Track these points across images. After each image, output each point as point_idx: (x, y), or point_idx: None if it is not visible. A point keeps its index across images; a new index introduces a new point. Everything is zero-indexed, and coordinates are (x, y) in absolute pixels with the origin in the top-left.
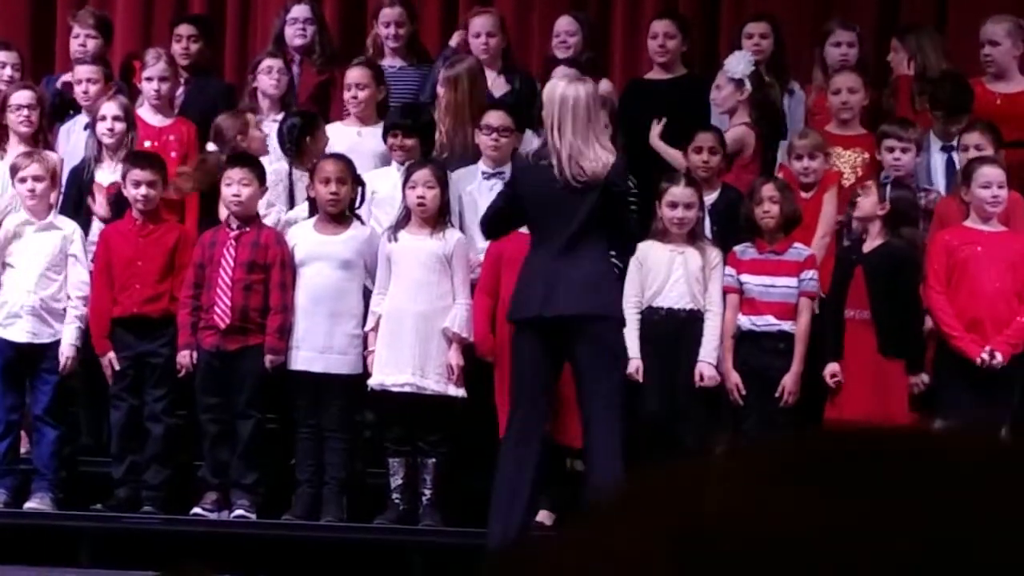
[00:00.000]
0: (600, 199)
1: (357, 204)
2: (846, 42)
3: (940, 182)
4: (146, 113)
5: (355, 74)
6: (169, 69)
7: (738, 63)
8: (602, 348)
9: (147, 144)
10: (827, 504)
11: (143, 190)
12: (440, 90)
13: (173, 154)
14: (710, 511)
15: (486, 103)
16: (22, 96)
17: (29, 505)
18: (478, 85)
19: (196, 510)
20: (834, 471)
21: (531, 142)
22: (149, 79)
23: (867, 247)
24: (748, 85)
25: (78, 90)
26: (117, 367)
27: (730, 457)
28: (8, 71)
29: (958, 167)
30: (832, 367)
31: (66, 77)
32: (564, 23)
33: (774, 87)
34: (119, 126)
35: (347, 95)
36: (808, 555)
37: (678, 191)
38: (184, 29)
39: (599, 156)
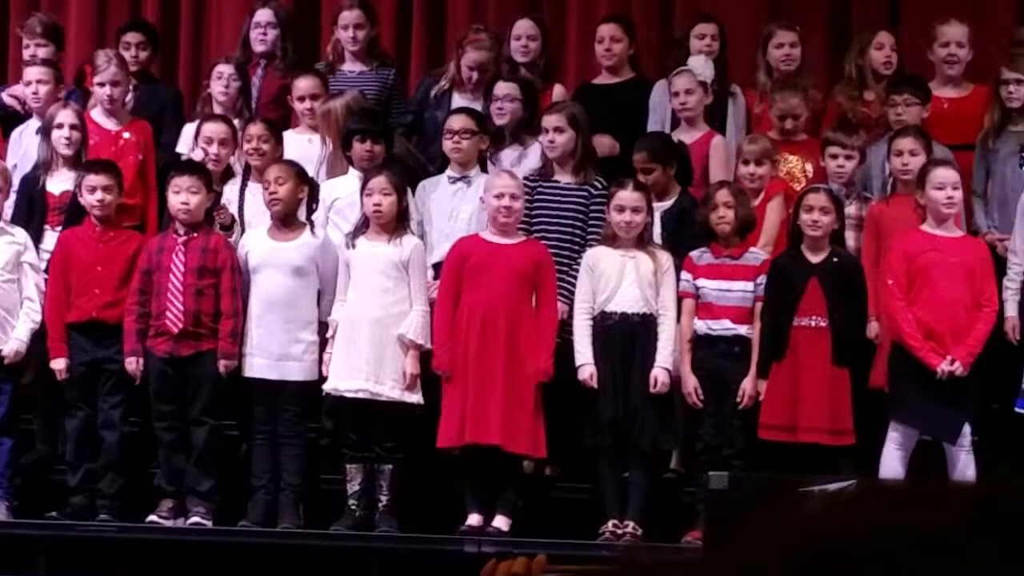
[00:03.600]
0: None
1: (314, 209)
2: (788, 43)
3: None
4: (100, 117)
5: (307, 84)
6: (120, 72)
7: (704, 67)
8: None
9: (103, 148)
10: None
11: (98, 195)
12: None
13: (130, 157)
14: (825, 532)
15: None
16: None
17: None
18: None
19: (152, 517)
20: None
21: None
22: (101, 84)
23: (817, 257)
24: (709, 90)
25: (27, 91)
26: (64, 376)
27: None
28: None
29: (888, 171)
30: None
31: (10, 90)
32: (526, 26)
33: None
34: (76, 134)
35: (301, 106)
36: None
37: (626, 195)
38: (132, 36)
39: None
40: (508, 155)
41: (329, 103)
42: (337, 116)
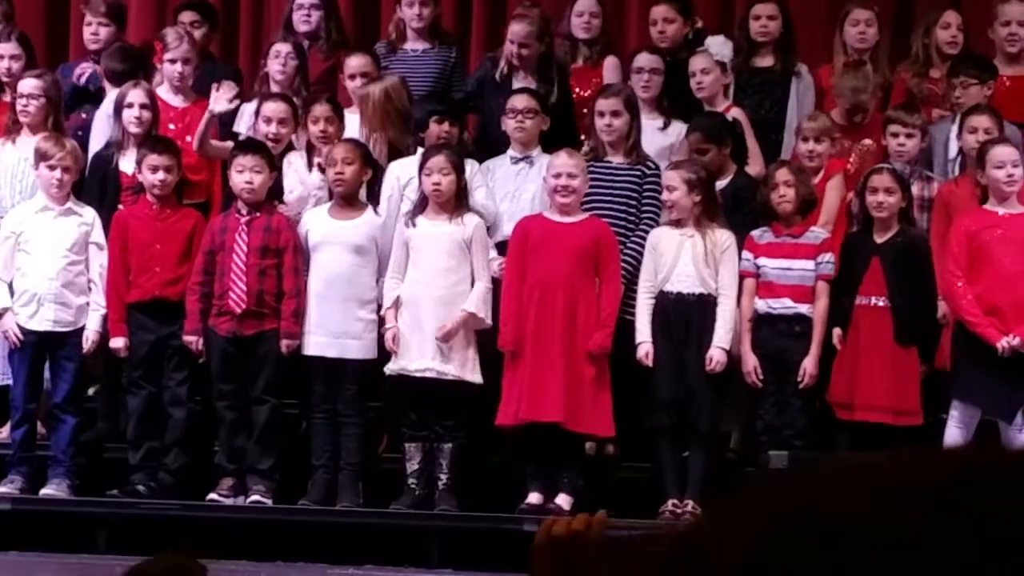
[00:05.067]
0: None
1: (376, 191)
2: (864, 20)
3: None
4: (166, 94)
5: (359, 62)
6: (191, 50)
7: (722, 47)
8: None
9: (171, 126)
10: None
11: (160, 175)
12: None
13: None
14: (793, 512)
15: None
16: (24, 85)
17: (45, 491)
18: (392, 102)
19: (212, 496)
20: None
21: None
22: (172, 61)
23: (882, 237)
24: (730, 70)
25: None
26: (124, 355)
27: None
28: (5, 63)
29: (955, 150)
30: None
31: (79, 69)
32: (588, 3)
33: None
34: (146, 114)
35: (352, 84)
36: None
37: (671, 174)
38: (187, 15)
39: None
40: (649, 125)
41: (368, 87)
42: (374, 100)
